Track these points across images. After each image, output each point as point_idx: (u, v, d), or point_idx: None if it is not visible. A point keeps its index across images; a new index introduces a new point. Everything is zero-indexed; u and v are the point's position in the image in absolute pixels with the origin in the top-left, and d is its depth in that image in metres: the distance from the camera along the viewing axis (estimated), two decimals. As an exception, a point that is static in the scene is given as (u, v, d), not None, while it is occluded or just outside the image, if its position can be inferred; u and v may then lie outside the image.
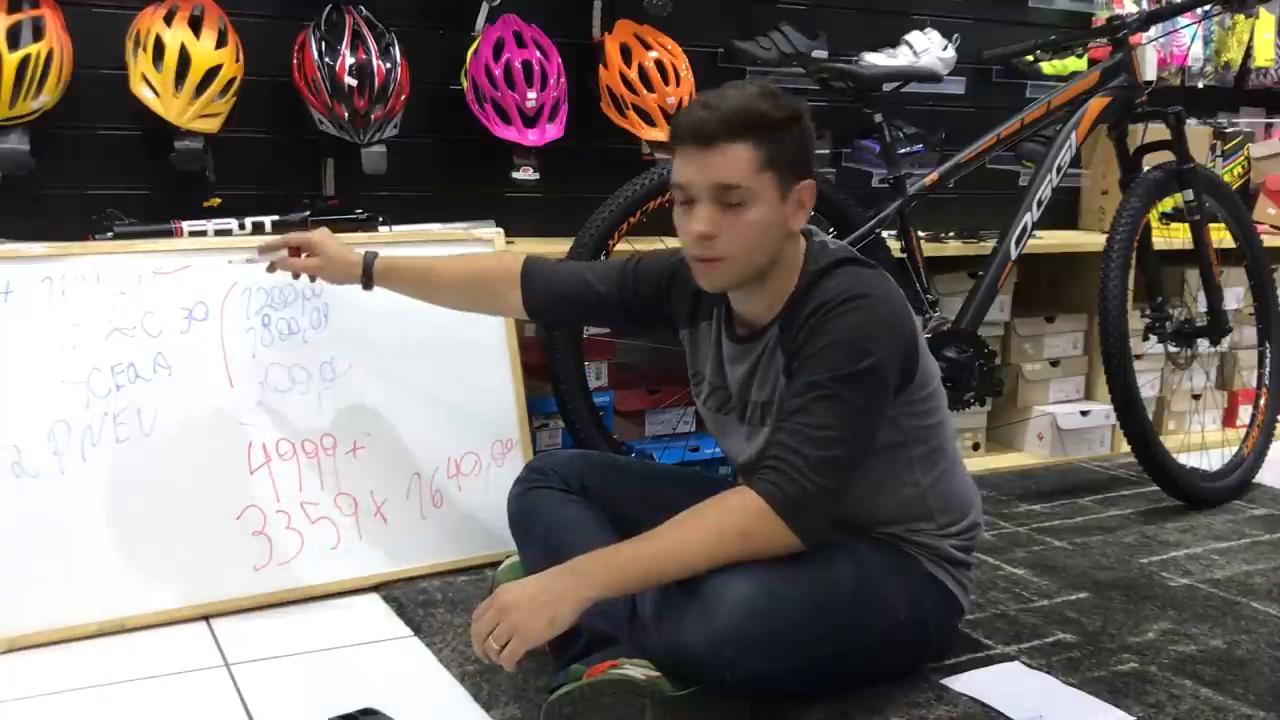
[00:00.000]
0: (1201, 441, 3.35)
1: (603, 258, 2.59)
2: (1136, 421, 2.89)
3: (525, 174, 2.84)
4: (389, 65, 2.63)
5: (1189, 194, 3.02)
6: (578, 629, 1.79)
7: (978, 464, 3.36)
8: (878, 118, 2.83)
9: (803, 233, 1.89)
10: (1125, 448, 3.04)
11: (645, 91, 2.91)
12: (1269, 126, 4.27)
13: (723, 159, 1.74)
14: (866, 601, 1.82)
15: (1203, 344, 3.15)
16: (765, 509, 1.71)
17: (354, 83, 2.59)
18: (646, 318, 2.12)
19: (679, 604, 1.74)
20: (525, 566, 1.98)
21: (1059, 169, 2.90)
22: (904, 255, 2.85)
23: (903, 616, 1.86)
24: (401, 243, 2.57)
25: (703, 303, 2.01)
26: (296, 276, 2.30)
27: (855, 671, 1.87)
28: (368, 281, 2.22)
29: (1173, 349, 3.13)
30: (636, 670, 1.70)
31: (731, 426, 1.98)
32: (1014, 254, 2.85)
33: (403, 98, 2.68)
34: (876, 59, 3.24)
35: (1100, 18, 3.62)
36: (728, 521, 1.72)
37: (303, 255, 2.25)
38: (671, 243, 2.66)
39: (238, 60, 2.55)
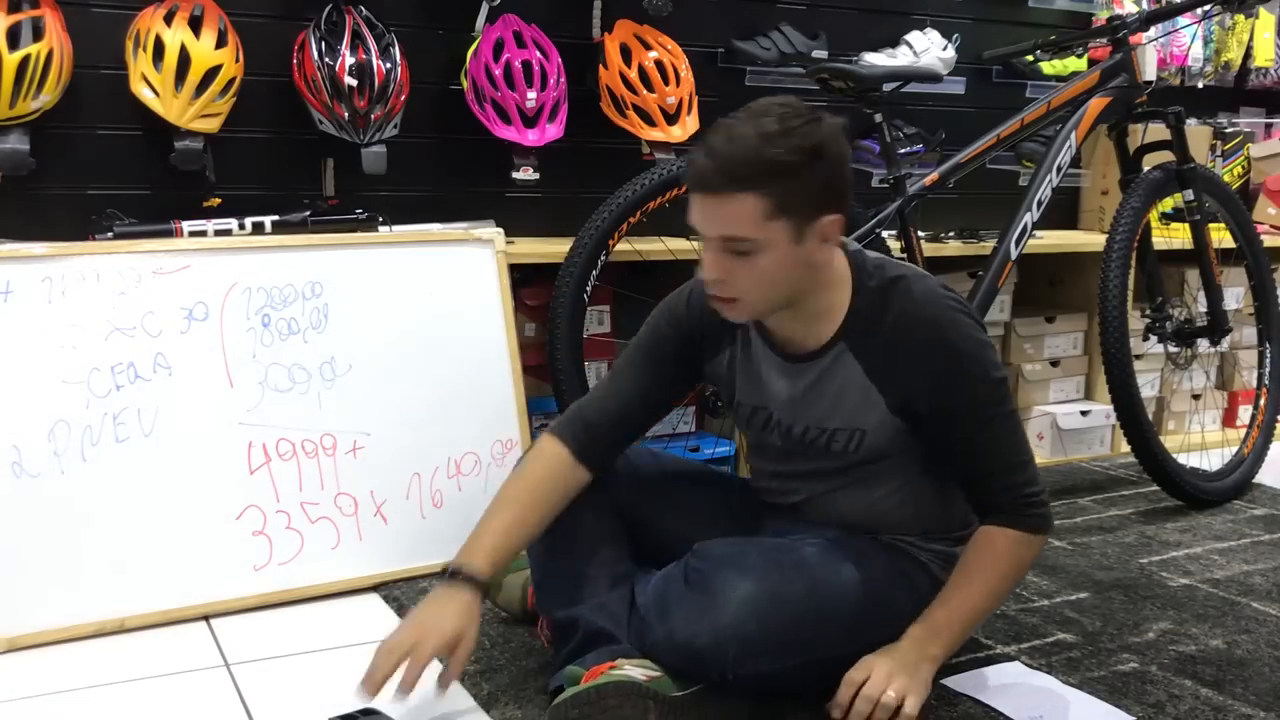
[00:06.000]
0: (1201, 441, 3.35)
1: (602, 258, 2.59)
2: (1136, 421, 2.89)
3: (525, 174, 2.84)
4: (389, 65, 2.63)
5: (1189, 194, 3.02)
6: (575, 624, 1.80)
7: (978, 464, 3.35)
8: (878, 118, 2.82)
9: None
10: (1125, 448, 3.04)
11: (645, 91, 2.90)
12: (1269, 126, 4.27)
13: (727, 210, 1.66)
14: (872, 605, 1.82)
15: (1203, 344, 3.15)
16: (1030, 539, 1.84)
17: (354, 83, 2.59)
18: (684, 377, 2.00)
19: (682, 600, 1.74)
20: (529, 561, 1.97)
21: (1059, 169, 2.90)
22: (904, 255, 2.85)
23: (909, 620, 1.85)
24: (402, 243, 2.57)
25: (725, 328, 1.92)
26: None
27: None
28: (488, 589, 1.92)
29: (1173, 349, 3.13)
30: (636, 670, 1.70)
31: (770, 443, 1.94)
32: (1014, 254, 2.84)
33: (403, 98, 2.68)
34: (876, 59, 3.25)
35: (1100, 18, 3.62)
36: (1009, 566, 1.84)
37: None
38: (671, 242, 2.68)
39: (238, 60, 2.55)
